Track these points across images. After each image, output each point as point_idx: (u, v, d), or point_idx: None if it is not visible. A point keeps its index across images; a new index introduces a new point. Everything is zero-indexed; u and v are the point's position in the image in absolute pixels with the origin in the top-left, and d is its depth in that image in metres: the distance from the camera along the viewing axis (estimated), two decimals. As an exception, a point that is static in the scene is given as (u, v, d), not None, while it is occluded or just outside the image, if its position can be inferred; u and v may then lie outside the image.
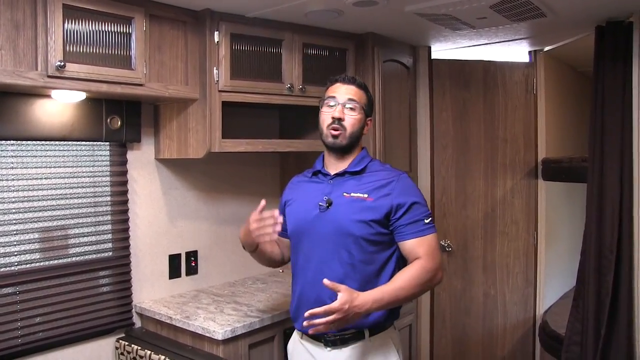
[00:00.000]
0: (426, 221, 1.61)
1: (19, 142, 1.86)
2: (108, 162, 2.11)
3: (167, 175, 2.31)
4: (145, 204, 2.23)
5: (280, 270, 2.65)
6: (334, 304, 1.43)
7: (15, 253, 1.86)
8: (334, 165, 1.71)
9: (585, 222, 2.24)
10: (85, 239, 2.05)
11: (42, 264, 1.93)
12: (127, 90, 1.85)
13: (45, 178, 1.94)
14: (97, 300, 2.06)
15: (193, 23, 2.01)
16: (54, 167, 1.96)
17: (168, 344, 1.98)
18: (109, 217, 2.11)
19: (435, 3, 1.98)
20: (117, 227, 2.13)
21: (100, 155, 2.10)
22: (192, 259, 2.40)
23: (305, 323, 1.46)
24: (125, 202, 2.16)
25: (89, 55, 1.72)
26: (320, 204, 1.65)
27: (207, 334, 1.89)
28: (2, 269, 1.83)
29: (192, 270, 2.40)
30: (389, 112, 2.57)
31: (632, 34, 2.08)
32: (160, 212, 2.29)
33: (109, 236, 2.11)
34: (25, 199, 1.89)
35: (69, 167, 2.00)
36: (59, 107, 1.90)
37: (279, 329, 2.05)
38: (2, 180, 1.84)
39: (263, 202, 1.67)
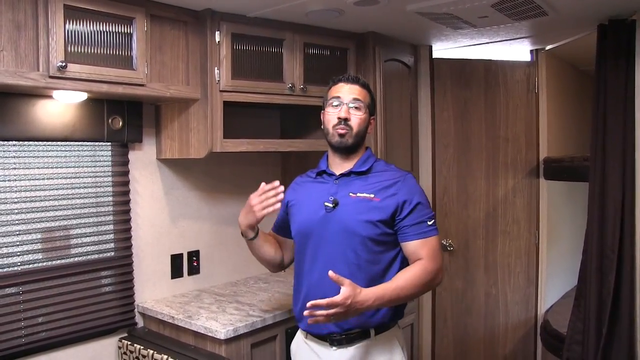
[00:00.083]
0: (429, 223, 1.62)
1: (20, 142, 1.87)
2: (110, 163, 2.12)
3: (168, 175, 2.31)
4: (147, 204, 2.24)
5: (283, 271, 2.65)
6: (337, 298, 1.43)
7: (18, 253, 1.87)
8: (339, 166, 1.71)
9: (587, 222, 2.24)
10: (88, 239, 2.05)
11: (44, 264, 1.94)
12: (129, 91, 1.85)
13: (47, 178, 1.94)
14: (99, 300, 2.07)
15: (194, 23, 2.01)
16: (56, 167, 1.97)
17: (170, 344, 1.98)
18: (111, 217, 2.12)
19: (436, 2, 1.98)
20: (119, 227, 2.14)
21: (102, 156, 2.10)
22: (194, 258, 2.41)
23: (306, 312, 1.46)
24: (127, 202, 2.16)
25: (90, 56, 1.72)
26: (326, 204, 1.65)
27: (210, 334, 1.89)
28: (6, 269, 1.84)
29: (194, 270, 2.41)
30: (390, 111, 2.56)
31: (635, 32, 2.07)
32: (162, 212, 2.29)
33: (111, 236, 2.12)
34: (28, 199, 1.90)
35: (70, 167, 2.01)
36: (60, 107, 1.91)
37: (281, 328, 2.05)
38: (5, 180, 1.84)
39: (263, 184, 1.68)
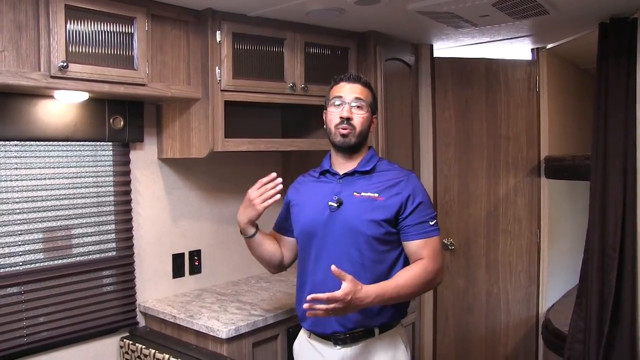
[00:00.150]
0: (431, 223, 1.62)
1: (22, 142, 1.87)
2: (111, 162, 2.12)
3: (170, 174, 2.31)
4: (148, 203, 2.24)
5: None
6: (338, 293, 1.43)
7: (20, 253, 1.87)
8: (342, 165, 1.71)
9: (588, 220, 2.23)
10: (89, 239, 2.05)
11: (46, 264, 1.94)
12: (130, 91, 1.85)
13: (48, 178, 1.95)
14: (101, 300, 2.07)
15: (195, 23, 2.01)
16: (57, 167, 1.97)
17: (172, 343, 1.98)
18: (112, 217, 2.12)
19: (437, 1, 1.98)
20: (120, 227, 2.14)
21: (103, 156, 2.10)
22: (196, 258, 2.41)
23: (305, 305, 1.46)
24: (129, 201, 2.16)
25: (91, 56, 1.72)
26: (330, 203, 1.65)
27: (211, 333, 1.89)
28: (7, 269, 1.84)
29: (195, 270, 2.41)
30: (391, 110, 2.56)
31: (636, 30, 2.06)
32: (163, 212, 2.29)
33: (113, 236, 2.12)
34: (29, 199, 1.90)
35: (72, 167, 2.01)
36: (61, 107, 1.91)
37: (282, 327, 2.05)
38: (6, 181, 1.85)
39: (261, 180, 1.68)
